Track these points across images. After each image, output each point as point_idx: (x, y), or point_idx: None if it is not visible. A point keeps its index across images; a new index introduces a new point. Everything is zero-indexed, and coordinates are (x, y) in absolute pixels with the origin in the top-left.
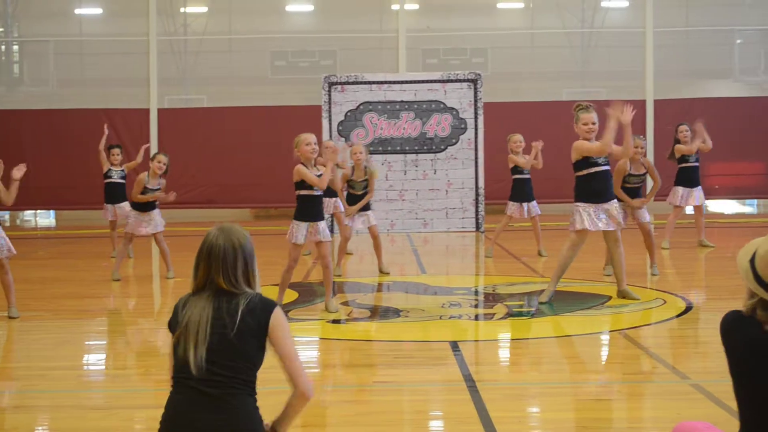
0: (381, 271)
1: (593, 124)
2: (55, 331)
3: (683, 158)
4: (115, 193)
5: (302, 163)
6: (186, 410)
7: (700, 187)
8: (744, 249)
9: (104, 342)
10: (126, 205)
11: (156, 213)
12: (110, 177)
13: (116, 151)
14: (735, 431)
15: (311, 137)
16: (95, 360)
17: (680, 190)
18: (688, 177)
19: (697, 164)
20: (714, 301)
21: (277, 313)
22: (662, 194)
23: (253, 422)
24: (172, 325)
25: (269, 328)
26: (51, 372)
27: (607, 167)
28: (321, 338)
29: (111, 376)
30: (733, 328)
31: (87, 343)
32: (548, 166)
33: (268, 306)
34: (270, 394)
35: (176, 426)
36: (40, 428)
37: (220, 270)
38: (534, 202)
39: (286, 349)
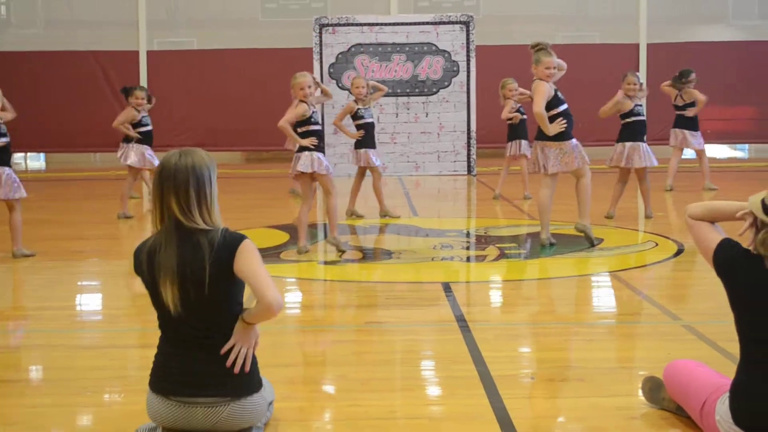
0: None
1: (554, 68)
2: (46, 272)
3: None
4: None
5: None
6: (174, 357)
7: (699, 132)
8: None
9: (96, 283)
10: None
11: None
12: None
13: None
14: (727, 371)
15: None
16: (87, 300)
17: (678, 132)
18: (682, 120)
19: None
20: None
21: (243, 246)
22: (663, 138)
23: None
24: (139, 272)
25: (234, 263)
26: (43, 312)
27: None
28: (313, 279)
29: (103, 316)
30: (739, 264)
31: (79, 283)
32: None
33: (233, 243)
34: None
35: (168, 370)
36: (32, 367)
37: (171, 192)
38: (524, 141)
39: (250, 268)
